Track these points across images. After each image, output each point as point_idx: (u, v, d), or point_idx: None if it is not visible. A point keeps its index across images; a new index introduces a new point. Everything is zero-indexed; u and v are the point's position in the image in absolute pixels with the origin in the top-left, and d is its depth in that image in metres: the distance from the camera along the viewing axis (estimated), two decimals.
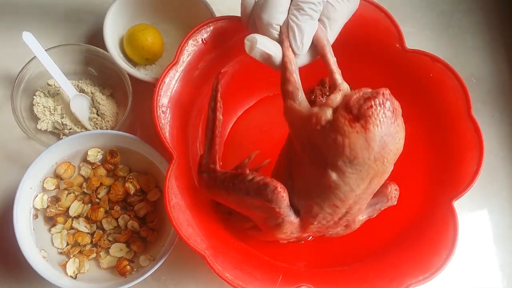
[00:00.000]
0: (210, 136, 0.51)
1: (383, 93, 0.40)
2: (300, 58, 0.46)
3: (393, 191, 0.51)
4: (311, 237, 0.60)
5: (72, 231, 0.59)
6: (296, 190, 0.45)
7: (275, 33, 0.45)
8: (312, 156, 0.43)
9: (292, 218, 0.46)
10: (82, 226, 0.59)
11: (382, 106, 0.40)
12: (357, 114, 0.40)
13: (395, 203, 0.52)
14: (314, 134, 0.42)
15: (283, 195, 0.44)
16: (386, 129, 0.40)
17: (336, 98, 0.42)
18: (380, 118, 0.39)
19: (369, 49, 0.59)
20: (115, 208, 0.60)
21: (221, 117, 0.51)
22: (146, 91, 0.63)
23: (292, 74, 0.44)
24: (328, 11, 0.45)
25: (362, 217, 0.52)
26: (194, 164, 0.58)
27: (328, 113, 0.41)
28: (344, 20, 0.48)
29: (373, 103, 0.40)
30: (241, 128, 0.65)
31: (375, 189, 0.45)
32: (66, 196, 0.59)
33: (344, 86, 0.44)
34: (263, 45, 0.44)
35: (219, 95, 0.52)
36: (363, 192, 0.43)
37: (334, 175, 0.41)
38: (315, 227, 0.47)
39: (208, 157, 0.51)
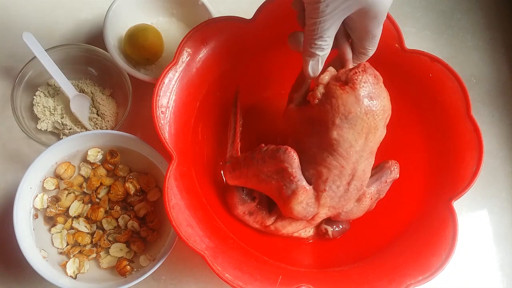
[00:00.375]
0: (233, 134, 0.60)
1: (364, 64, 0.50)
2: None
3: (394, 164, 0.57)
4: (314, 236, 0.60)
5: (72, 231, 0.59)
6: (305, 164, 0.53)
7: None
8: (314, 130, 0.51)
9: (304, 183, 0.52)
10: (82, 226, 0.59)
11: (365, 72, 0.49)
12: (345, 80, 0.49)
13: (398, 176, 0.57)
14: (313, 110, 0.51)
15: (293, 155, 0.51)
16: (371, 87, 0.49)
17: (325, 77, 0.51)
18: (364, 80, 0.49)
19: None
20: (115, 208, 0.60)
21: (241, 119, 0.61)
22: (146, 91, 0.63)
23: (301, 92, 0.54)
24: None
25: (371, 189, 0.55)
26: (195, 164, 0.58)
27: (321, 88, 0.50)
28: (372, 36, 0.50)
29: (357, 70, 0.49)
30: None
31: (373, 148, 0.52)
32: (66, 196, 0.59)
33: (332, 69, 0.52)
34: None
35: (238, 103, 0.62)
36: (362, 149, 0.50)
37: (334, 133, 0.49)
38: (329, 197, 0.53)
39: (232, 149, 0.59)
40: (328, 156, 0.51)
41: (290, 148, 0.51)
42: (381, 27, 0.48)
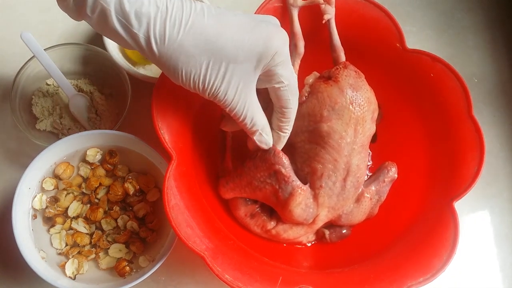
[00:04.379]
0: (223, 148, 0.60)
1: (344, 62, 0.54)
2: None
3: (390, 165, 0.58)
4: (314, 241, 0.60)
5: (71, 231, 0.59)
6: (299, 164, 0.54)
7: None
8: (304, 127, 0.53)
9: (299, 183, 0.52)
10: (81, 226, 0.59)
11: (346, 68, 0.53)
12: (328, 76, 0.53)
13: (396, 176, 0.57)
14: (301, 108, 0.52)
15: (282, 156, 0.52)
16: (353, 80, 0.52)
17: (310, 79, 0.54)
18: (346, 74, 0.52)
19: (369, 48, 0.59)
20: (114, 208, 0.59)
21: (230, 132, 0.61)
22: (146, 90, 0.62)
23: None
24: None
25: (370, 189, 0.56)
26: (194, 164, 0.57)
27: (307, 88, 0.53)
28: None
29: (338, 67, 0.53)
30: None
31: (364, 142, 0.53)
32: (65, 196, 0.59)
33: (316, 73, 0.55)
34: None
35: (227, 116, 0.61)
36: (353, 141, 0.52)
37: (324, 126, 0.51)
38: (327, 196, 0.53)
39: (223, 163, 0.60)
40: (321, 150, 0.52)
41: (278, 149, 0.52)
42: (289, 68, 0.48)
